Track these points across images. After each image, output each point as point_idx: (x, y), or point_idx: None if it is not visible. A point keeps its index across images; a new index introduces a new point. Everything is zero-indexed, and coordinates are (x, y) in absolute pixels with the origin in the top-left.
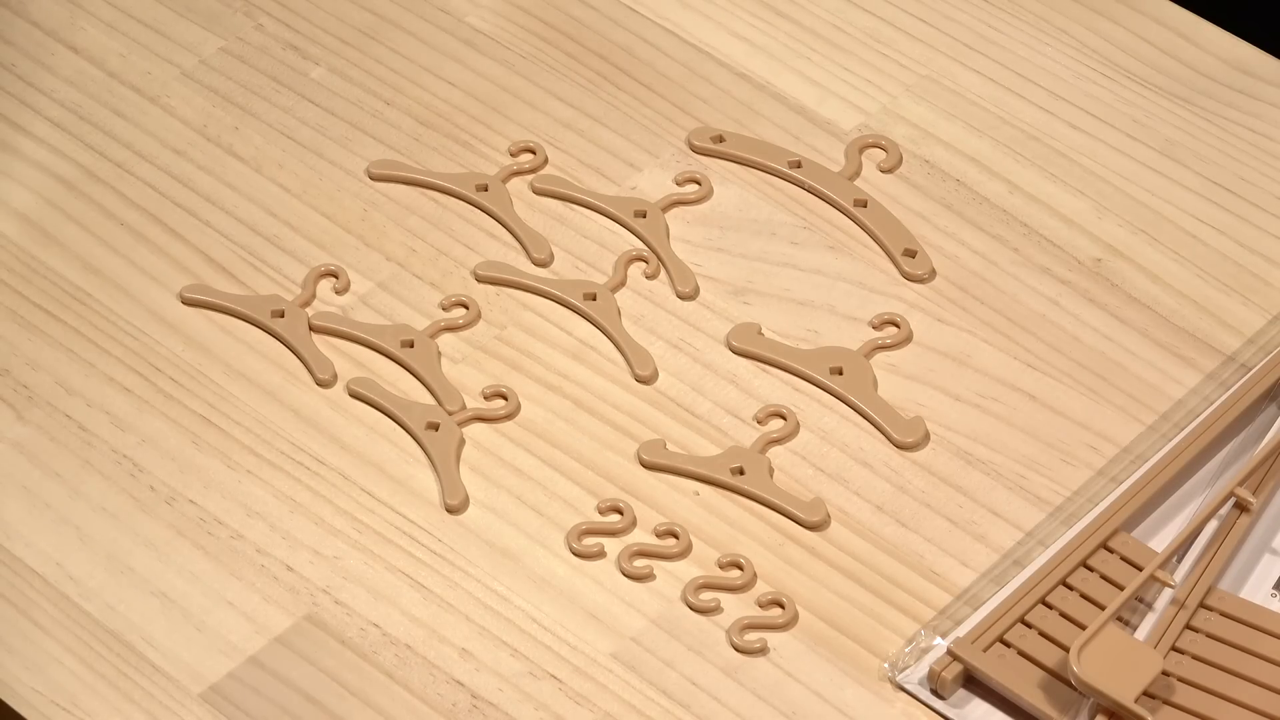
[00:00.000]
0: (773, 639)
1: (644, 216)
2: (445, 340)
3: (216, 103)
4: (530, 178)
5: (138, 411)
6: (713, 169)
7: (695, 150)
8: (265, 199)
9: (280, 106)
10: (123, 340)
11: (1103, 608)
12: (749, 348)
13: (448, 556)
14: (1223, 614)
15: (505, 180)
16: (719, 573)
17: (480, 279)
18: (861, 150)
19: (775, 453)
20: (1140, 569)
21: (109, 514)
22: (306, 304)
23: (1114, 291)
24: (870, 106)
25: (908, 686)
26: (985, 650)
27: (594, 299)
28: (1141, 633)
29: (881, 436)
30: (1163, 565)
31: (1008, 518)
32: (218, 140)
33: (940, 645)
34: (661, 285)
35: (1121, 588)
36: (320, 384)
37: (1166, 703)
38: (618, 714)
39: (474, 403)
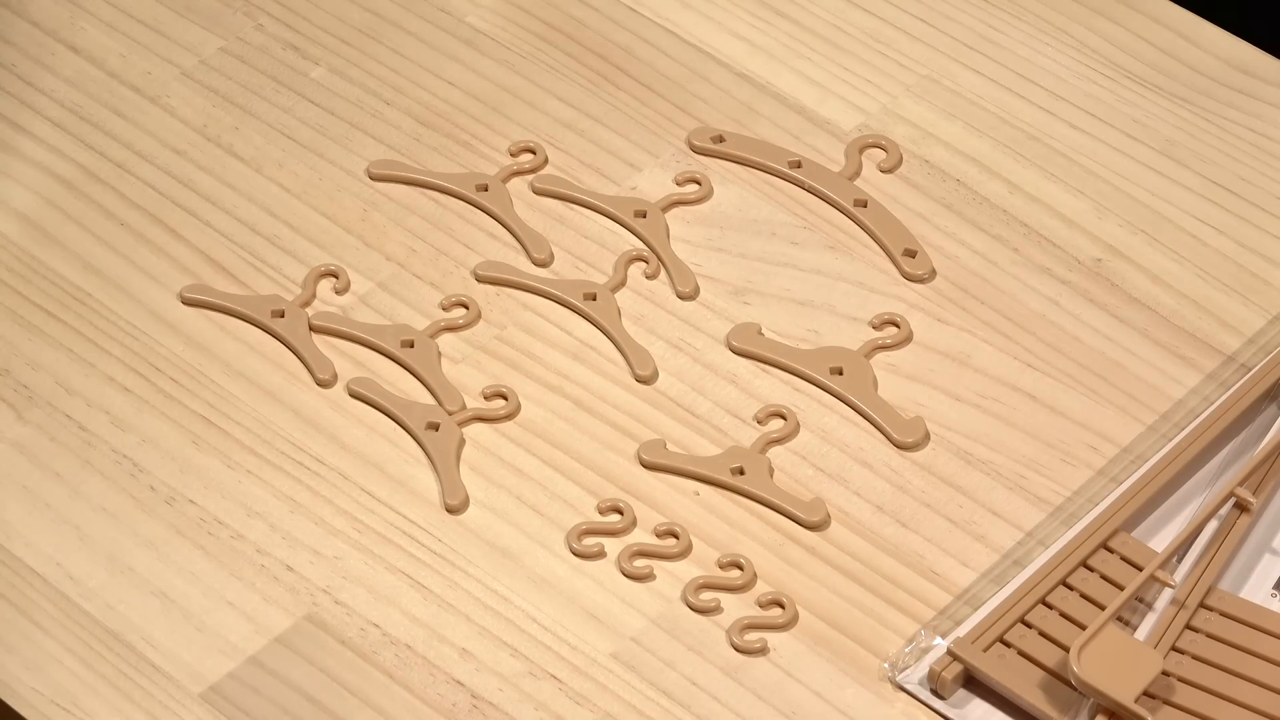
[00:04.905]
0: (773, 639)
1: (644, 216)
2: (445, 340)
3: (216, 103)
4: (530, 178)
5: (138, 411)
6: (713, 169)
7: (695, 150)
8: (265, 199)
9: (280, 106)
10: (123, 340)
11: (1103, 608)
12: (749, 348)
13: (448, 556)
14: (1223, 614)
15: (505, 180)
16: (719, 573)
17: (480, 279)
18: (861, 150)
19: (775, 453)
20: (1140, 569)
21: (109, 514)
22: (306, 304)
23: (1114, 291)
24: (870, 106)
25: (908, 686)
26: (985, 650)
27: (594, 299)
28: (1141, 633)
29: (881, 436)
30: (1163, 565)
31: (1008, 518)
32: (218, 140)
33: (940, 645)
34: (661, 285)
35: (1121, 588)
36: (320, 384)
37: (1166, 703)
38: (618, 714)
39: (474, 403)
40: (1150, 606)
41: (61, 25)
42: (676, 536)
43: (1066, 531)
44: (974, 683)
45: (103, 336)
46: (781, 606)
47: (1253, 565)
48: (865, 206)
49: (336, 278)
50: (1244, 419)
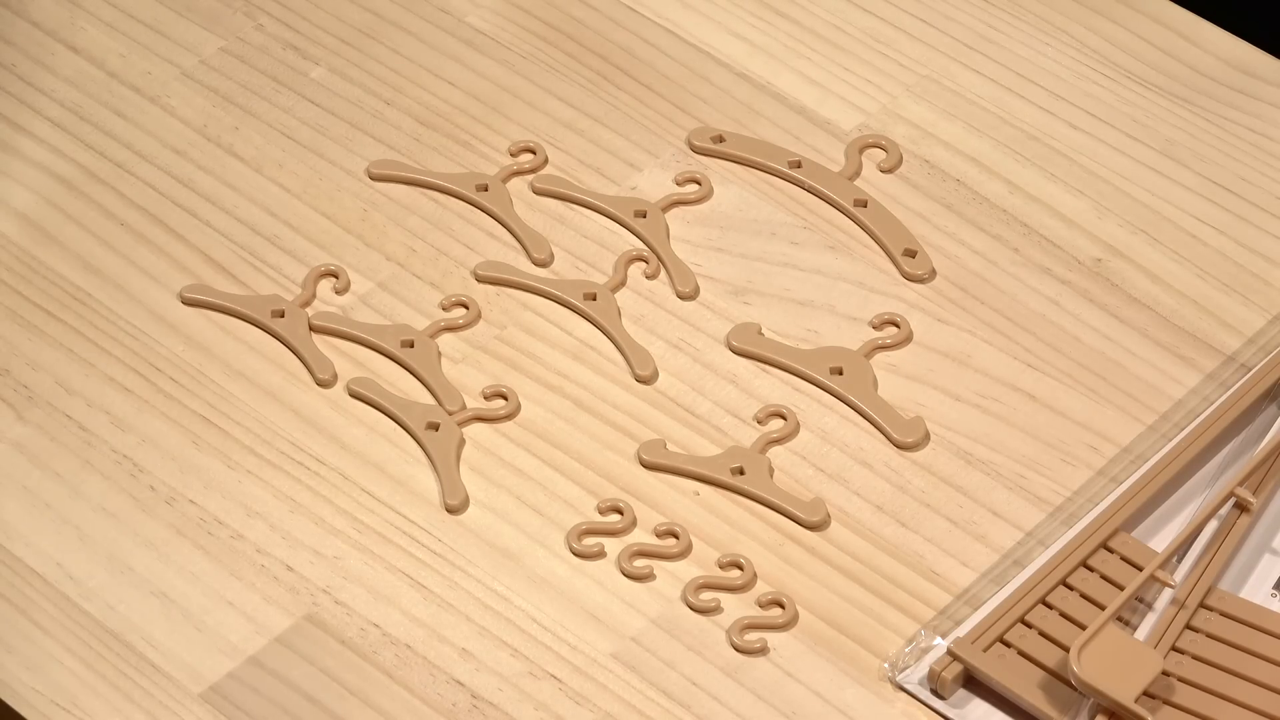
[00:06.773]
0: (773, 639)
1: (644, 216)
2: (445, 340)
3: (216, 103)
4: (530, 178)
5: (138, 411)
6: (713, 169)
7: (695, 150)
8: (265, 199)
9: (280, 106)
10: (123, 340)
11: (1103, 608)
12: (749, 348)
13: (448, 556)
14: (1223, 614)
15: (505, 180)
16: (719, 573)
17: (480, 279)
18: (861, 150)
19: (775, 453)
20: (1140, 569)
21: (109, 514)
22: (306, 304)
23: (1114, 291)
24: (870, 106)
25: (908, 686)
26: (985, 650)
27: (594, 299)
28: (1141, 633)
29: (881, 436)
30: (1163, 565)
31: (1008, 518)
32: (218, 140)
33: (940, 645)
34: (661, 285)
35: (1121, 588)
36: (320, 384)
37: (1166, 703)
38: (618, 714)
39: (474, 403)
40: (1150, 606)
41: (61, 25)
42: (676, 536)
43: (1066, 531)
44: (974, 683)
45: (103, 336)
46: (781, 606)
47: (1253, 565)
48: (865, 206)
49: (336, 278)
50: (1244, 419)
